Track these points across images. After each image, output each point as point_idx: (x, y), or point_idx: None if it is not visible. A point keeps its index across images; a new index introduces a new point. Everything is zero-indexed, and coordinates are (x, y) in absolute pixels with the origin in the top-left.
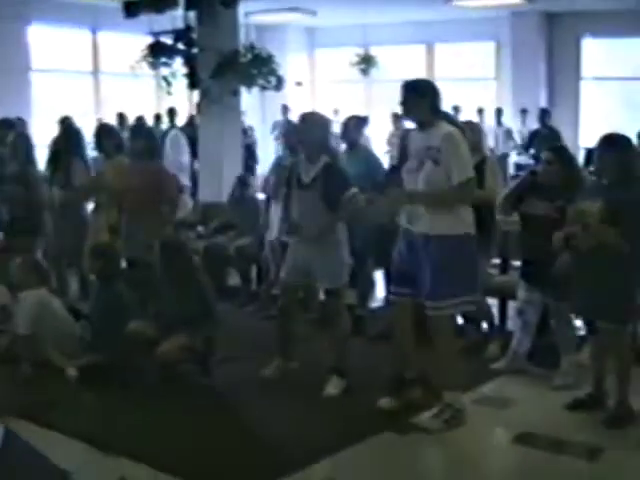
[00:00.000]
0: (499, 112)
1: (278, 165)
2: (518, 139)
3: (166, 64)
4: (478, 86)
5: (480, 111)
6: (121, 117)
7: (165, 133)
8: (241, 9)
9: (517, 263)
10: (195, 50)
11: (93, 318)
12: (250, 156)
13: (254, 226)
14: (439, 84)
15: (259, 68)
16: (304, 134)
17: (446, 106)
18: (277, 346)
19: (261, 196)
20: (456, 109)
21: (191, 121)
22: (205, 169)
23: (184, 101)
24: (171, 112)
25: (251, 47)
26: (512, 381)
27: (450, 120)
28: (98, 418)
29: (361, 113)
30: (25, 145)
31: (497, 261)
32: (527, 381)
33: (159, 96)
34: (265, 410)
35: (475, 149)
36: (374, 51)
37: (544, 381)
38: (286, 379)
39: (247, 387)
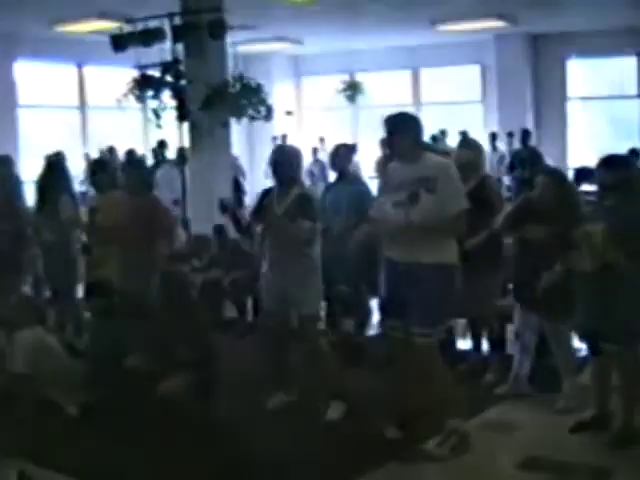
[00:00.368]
0: (493, 137)
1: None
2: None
3: (155, 97)
4: (464, 109)
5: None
6: (111, 151)
7: (156, 166)
8: (227, 39)
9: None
10: (183, 82)
11: (91, 354)
12: (236, 188)
13: (244, 262)
14: (426, 108)
15: (248, 98)
16: (277, 167)
17: (433, 130)
18: (275, 378)
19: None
20: (443, 133)
21: (181, 154)
22: (196, 201)
23: (173, 134)
24: (161, 145)
25: (240, 77)
26: (515, 405)
27: (433, 149)
28: (100, 457)
29: (348, 140)
30: (12, 181)
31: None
32: (530, 405)
33: (147, 129)
34: (268, 442)
35: (475, 170)
36: (360, 77)
37: (547, 404)
38: (287, 410)
39: (249, 420)
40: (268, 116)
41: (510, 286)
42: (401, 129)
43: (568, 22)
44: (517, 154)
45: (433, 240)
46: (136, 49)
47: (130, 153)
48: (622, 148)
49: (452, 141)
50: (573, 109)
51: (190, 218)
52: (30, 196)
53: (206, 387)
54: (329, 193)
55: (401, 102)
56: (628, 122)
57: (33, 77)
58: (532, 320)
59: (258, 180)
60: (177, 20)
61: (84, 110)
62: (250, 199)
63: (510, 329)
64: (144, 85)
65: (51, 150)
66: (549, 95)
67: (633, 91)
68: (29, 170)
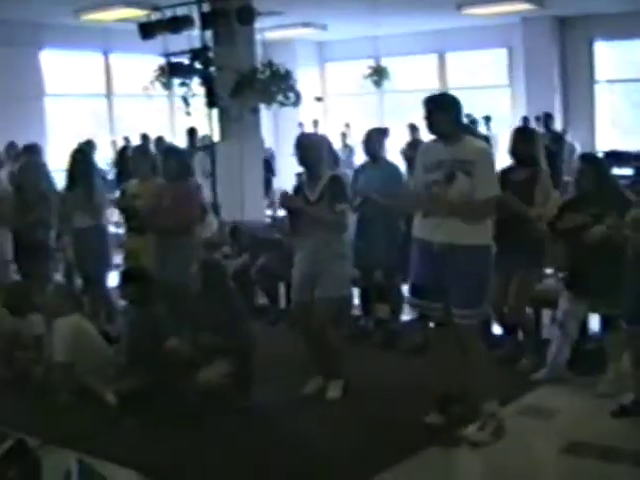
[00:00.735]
0: (525, 120)
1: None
2: None
3: (184, 84)
4: (491, 94)
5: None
6: (144, 138)
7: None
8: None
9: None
10: (212, 69)
11: (129, 343)
12: (267, 169)
13: (272, 249)
14: (452, 93)
15: (278, 85)
16: (303, 156)
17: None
18: (313, 364)
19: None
20: (488, 119)
21: (210, 140)
22: (225, 188)
23: (200, 121)
24: (192, 132)
25: (269, 64)
26: (553, 391)
27: (472, 132)
28: (141, 444)
29: (375, 125)
30: (35, 171)
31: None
32: (568, 390)
33: (173, 116)
34: (309, 429)
35: (527, 161)
36: (385, 62)
37: (585, 389)
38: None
39: (289, 406)
40: (297, 102)
41: (547, 271)
42: (441, 109)
43: (595, 4)
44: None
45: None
46: (163, 37)
47: (159, 140)
48: None
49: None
50: (599, 92)
51: (220, 204)
52: (59, 184)
53: (244, 374)
54: (360, 177)
55: (427, 87)
56: None
57: (59, 66)
58: (579, 307)
59: (285, 165)
60: (205, 7)
61: (110, 98)
62: (278, 183)
63: (546, 314)
64: (173, 72)
65: (78, 138)
66: (576, 78)
67: None
68: (56, 158)
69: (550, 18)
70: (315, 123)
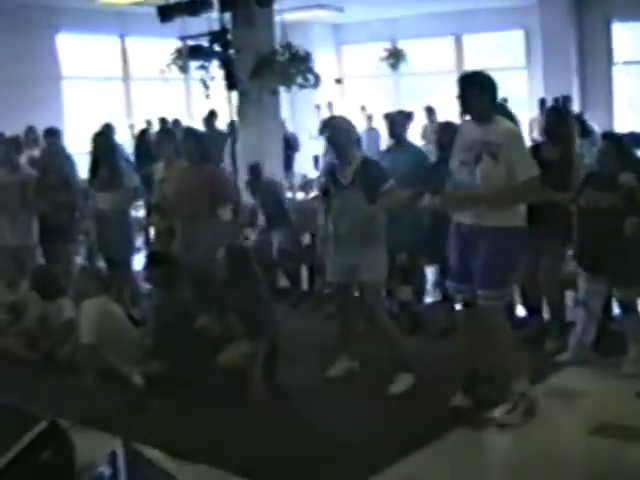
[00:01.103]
0: (542, 102)
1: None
2: None
3: (203, 67)
4: (509, 76)
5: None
6: (163, 121)
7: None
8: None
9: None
10: (231, 51)
11: (155, 326)
12: (288, 146)
13: (278, 213)
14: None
15: (297, 67)
16: (332, 139)
17: None
18: (340, 346)
19: (300, 195)
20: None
21: (232, 123)
22: (245, 171)
23: (217, 104)
24: (211, 115)
25: (288, 46)
26: (579, 372)
27: (506, 113)
28: (169, 425)
29: (390, 108)
30: (59, 154)
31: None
32: (594, 371)
33: (189, 100)
34: (335, 411)
35: (561, 141)
36: (401, 45)
37: (610, 370)
38: (351, 379)
39: (314, 388)
40: (316, 84)
41: (570, 252)
42: (475, 88)
43: None
44: None
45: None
46: (179, 20)
47: (175, 123)
48: None
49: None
50: (617, 74)
51: (240, 187)
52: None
53: (267, 359)
54: (385, 160)
55: (444, 69)
56: None
57: (76, 49)
58: (599, 287)
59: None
60: None
61: (127, 81)
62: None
63: (569, 295)
64: (192, 55)
65: (95, 122)
66: (594, 60)
67: None
68: (74, 142)
69: None
70: (329, 105)
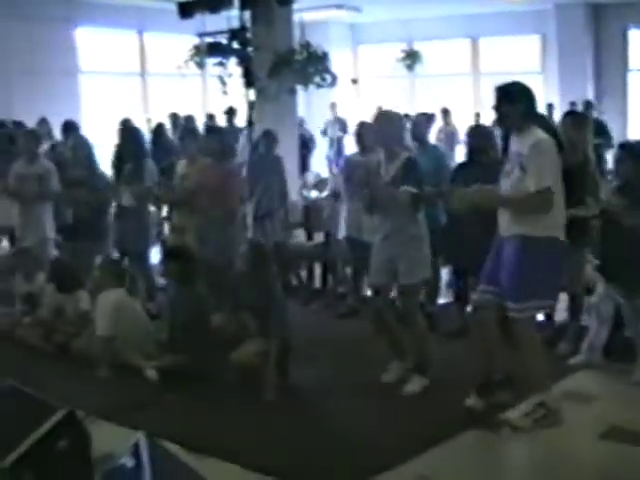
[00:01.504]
0: (550, 107)
1: (348, 163)
2: None
3: (221, 64)
4: (524, 80)
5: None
6: (174, 117)
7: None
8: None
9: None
10: (250, 49)
11: (170, 320)
12: (304, 146)
13: (274, 188)
14: (484, 78)
15: (315, 66)
16: (381, 133)
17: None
18: (392, 351)
19: (314, 194)
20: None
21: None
22: None
23: (234, 101)
24: (230, 112)
25: (306, 45)
26: (591, 376)
27: (544, 123)
28: (183, 419)
29: (405, 109)
30: (85, 149)
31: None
32: (605, 376)
33: (206, 96)
34: (346, 410)
35: (575, 146)
36: (417, 46)
37: (622, 375)
38: (364, 378)
39: (326, 387)
40: (333, 84)
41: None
42: (510, 100)
43: None
44: None
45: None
46: (202, 16)
47: (188, 119)
48: None
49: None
50: (633, 80)
51: None
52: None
53: (280, 357)
54: None
55: (459, 71)
56: None
57: (94, 43)
58: (612, 292)
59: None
60: None
61: (144, 77)
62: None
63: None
64: (211, 52)
65: (112, 116)
66: (610, 66)
67: None
68: (90, 136)
69: (584, 5)
70: (332, 106)
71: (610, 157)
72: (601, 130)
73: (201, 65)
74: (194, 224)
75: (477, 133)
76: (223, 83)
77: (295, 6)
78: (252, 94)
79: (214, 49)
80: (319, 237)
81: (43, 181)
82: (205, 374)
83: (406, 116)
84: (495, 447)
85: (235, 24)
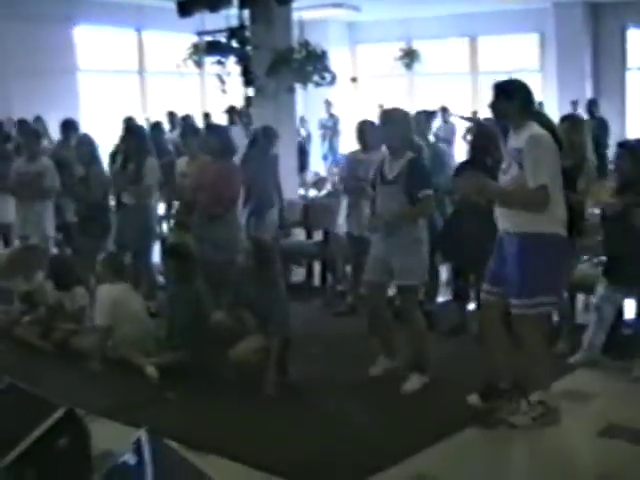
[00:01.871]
0: (540, 106)
1: (349, 161)
2: None
3: (220, 62)
4: (522, 78)
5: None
6: (171, 115)
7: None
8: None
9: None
10: (249, 48)
11: (170, 318)
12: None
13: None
14: (483, 77)
15: (314, 65)
16: (388, 131)
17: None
18: (381, 347)
19: (312, 192)
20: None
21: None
22: None
23: (232, 100)
24: (231, 110)
25: (305, 44)
26: (589, 374)
27: (542, 120)
28: (182, 417)
29: (404, 107)
30: (89, 146)
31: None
32: (604, 374)
33: (204, 94)
34: (345, 408)
35: (574, 148)
36: (416, 45)
37: (620, 373)
38: (363, 376)
39: (325, 385)
40: (332, 82)
41: (584, 257)
42: (507, 97)
43: None
44: None
45: (529, 209)
46: (201, 15)
47: (185, 119)
48: None
49: None
50: (631, 79)
51: None
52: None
53: (281, 353)
54: None
55: (458, 70)
56: None
57: (92, 41)
58: (617, 296)
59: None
60: None
61: (143, 75)
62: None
63: (580, 299)
64: (210, 50)
65: (110, 115)
66: (608, 64)
67: None
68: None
69: (582, 4)
70: (327, 103)
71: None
72: (605, 129)
73: (200, 64)
74: (193, 222)
75: (480, 132)
76: (222, 82)
77: (294, 5)
78: (251, 93)
79: (213, 48)
80: (318, 235)
81: (43, 179)
82: (204, 371)
83: None
84: (494, 445)
85: (234, 23)
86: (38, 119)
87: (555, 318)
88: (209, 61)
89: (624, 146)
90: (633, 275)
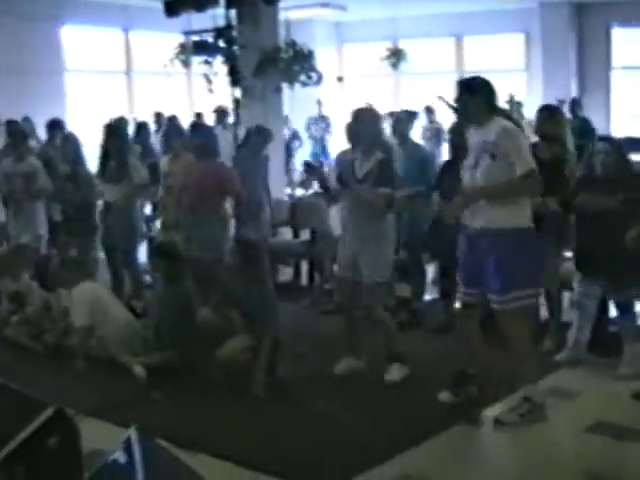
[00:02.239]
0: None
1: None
2: None
3: (207, 62)
4: (508, 78)
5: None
6: (158, 116)
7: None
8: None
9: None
10: (236, 48)
11: (158, 317)
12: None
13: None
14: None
15: (301, 64)
16: (358, 130)
17: None
18: (346, 343)
19: (299, 191)
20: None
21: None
22: None
23: (220, 99)
24: (219, 111)
25: (292, 43)
26: (575, 372)
27: (507, 116)
28: (171, 416)
29: (391, 107)
30: (74, 145)
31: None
32: (590, 371)
33: (192, 94)
34: (333, 406)
35: (555, 140)
36: (402, 44)
37: (606, 371)
38: (351, 375)
39: (313, 383)
40: (319, 82)
41: (567, 254)
42: (472, 92)
43: None
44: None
45: (501, 204)
46: (188, 15)
47: (171, 119)
48: None
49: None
50: (616, 78)
51: None
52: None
53: (270, 353)
54: None
55: (444, 69)
56: None
57: (79, 41)
58: (594, 288)
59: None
60: None
61: (130, 75)
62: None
63: (566, 296)
64: (197, 50)
65: (97, 115)
66: (593, 64)
67: None
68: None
69: (567, 4)
70: (319, 103)
71: None
72: (587, 129)
73: (187, 63)
74: (181, 221)
75: (459, 130)
76: (209, 81)
77: (281, 5)
78: (238, 92)
79: (200, 47)
80: (305, 234)
81: (30, 179)
82: (193, 371)
83: (391, 114)
84: (481, 443)
85: (221, 22)
86: (26, 119)
87: (543, 316)
88: (196, 61)
89: (608, 141)
90: (606, 271)
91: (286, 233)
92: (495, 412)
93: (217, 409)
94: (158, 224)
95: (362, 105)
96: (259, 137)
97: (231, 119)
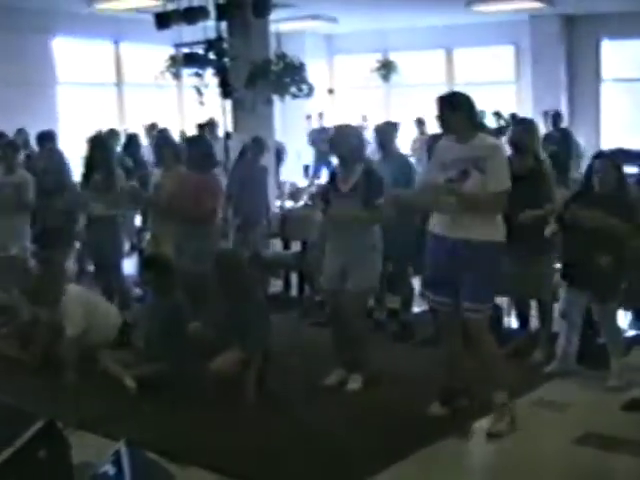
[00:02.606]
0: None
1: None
2: None
3: (197, 74)
4: (498, 90)
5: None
6: (152, 127)
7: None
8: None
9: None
10: (226, 60)
11: (148, 329)
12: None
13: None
14: (459, 88)
15: (291, 76)
16: (340, 145)
17: None
18: (336, 355)
19: (289, 204)
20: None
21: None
22: None
23: (210, 111)
24: (210, 124)
25: (282, 56)
26: (565, 384)
27: (487, 130)
28: (161, 428)
29: (381, 119)
30: (58, 157)
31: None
32: (579, 383)
33: (182, 106)
34: (323, 418)
35: (528, 151)
36: (392, 57)
37: (596, 382)
38: (341, 387)
39: (304, 396)
40: (309, 94)
41: (556, 265)
42: (452, 108)
43: (602, 3)
44: (549, 136)
45: (481, 218)
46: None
47: (162, 132)
48: None
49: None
50: (606, 91)
51: None
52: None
53: (260, 366)
54: None
55: (434, 81)
56: None
57: (71, 54)
58: (580, 299)
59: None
60: None
61: (121, 87)
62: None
63: (557, 308)
64: (188, 63)
65: (88, 127)
66: (583, 76)
67: None
68: (67, 146)
69: (558, 16)
70: (320, 115)
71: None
72: (566, 139)
73: (177, 76)
74: (171, 233)
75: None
76: (200, 94)
77: (271, 17)
78: (228, 105)
79: (190, 59)
80: (296, 246)
81: (20, 191)
82: (183, 383)
83: (375, 128)
84: (470, 455)
85: (212, 35)
86: (20, 131)
87: (533, 327)
88: (187, 73)
89: (604, 157)
90: (591, 282)
91: (276, 244)
92: (486, 424)
93: (207, 421)
94: (148, 236)
95: (352, 118)
96: (256, 148)
97: (221, 131)
